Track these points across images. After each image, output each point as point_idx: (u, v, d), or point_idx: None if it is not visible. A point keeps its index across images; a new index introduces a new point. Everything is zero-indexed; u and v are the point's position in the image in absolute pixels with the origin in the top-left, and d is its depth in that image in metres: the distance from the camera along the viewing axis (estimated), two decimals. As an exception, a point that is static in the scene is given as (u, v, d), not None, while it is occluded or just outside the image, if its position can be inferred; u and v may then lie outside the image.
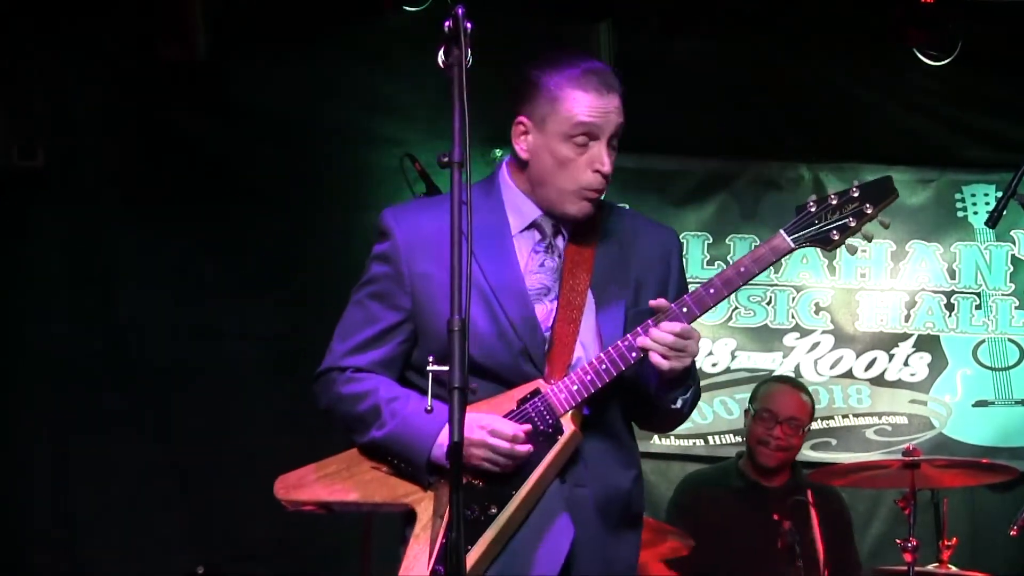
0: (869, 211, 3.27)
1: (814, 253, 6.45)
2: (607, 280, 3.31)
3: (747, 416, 5.89)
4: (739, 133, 6.70)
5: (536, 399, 3.21)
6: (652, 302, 3.24)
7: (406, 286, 3.28)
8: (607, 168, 3.24)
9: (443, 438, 3.09)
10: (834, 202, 3.27)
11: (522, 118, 3.29)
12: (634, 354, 3.20)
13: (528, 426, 3.18)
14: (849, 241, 3.29)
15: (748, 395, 6.06)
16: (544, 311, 3.27)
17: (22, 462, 6.15)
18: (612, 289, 3.31)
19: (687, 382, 3.31)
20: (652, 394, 3.30)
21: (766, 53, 6.53)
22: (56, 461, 6.18)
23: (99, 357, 6.24)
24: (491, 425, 3.14)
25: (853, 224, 3.26)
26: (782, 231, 3.27)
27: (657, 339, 3.17)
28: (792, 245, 3.27)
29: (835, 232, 3.26)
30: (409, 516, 3.25)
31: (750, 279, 3.28)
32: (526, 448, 3.16)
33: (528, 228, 3.33)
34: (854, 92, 6.67)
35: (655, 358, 3.17)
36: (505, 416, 3.19)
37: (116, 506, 6.13)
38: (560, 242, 3.33)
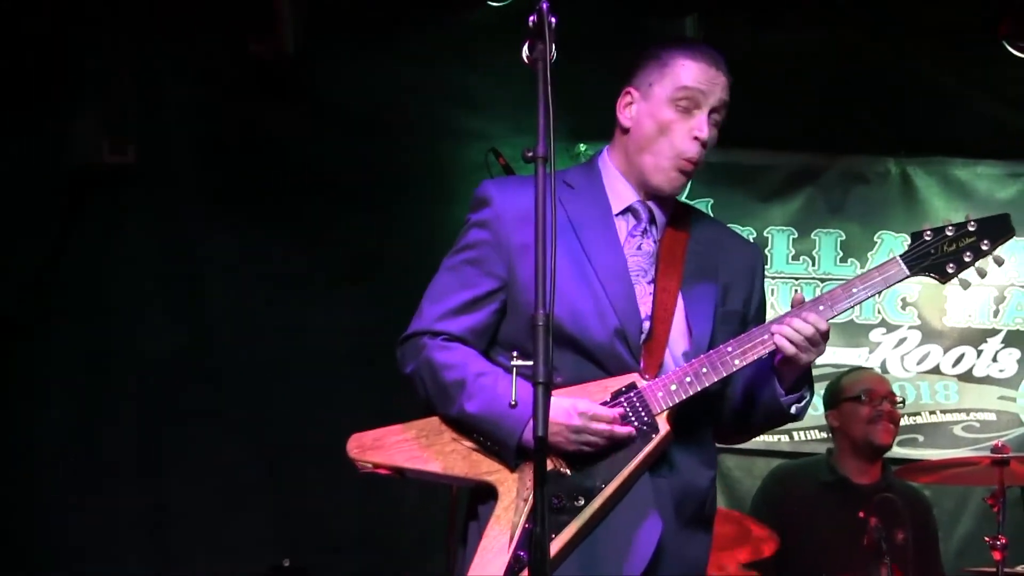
0: (986, 247, 3.30)
1: (900, 247, 6.39)
2: (697, 279, 3.33)
3: (841, 411, 5.80)
4: (826, 127, 6.67)
5: (631, 393, 3.18)
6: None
7: (505, 255, 3.26)
8: (705, 135, 3.27)
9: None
10: (950, 233, 3.30)
11: (630, 88, 3.35)
12: (736, 362, 3.21)
13: (621, 409, 3.16)
14: (962, 275, 3.31)
15: (832, 392, 6.02)
16: (641, 292, 3.27)
17: (112, 455, 6.21)
18: (702, 288, 3.32)
19: (808, 386, 3.32)
20: (767, 398, 3.29)
21: (853, 46, 6.48)
22: (146, 454, 6.24)
23: (187, 352, 6.29)
24: (590, 410, 3.12)
25: (969, 259, 3.30)
26: (898, 257, 3.30)
27: (797, 328, 3.18)
28: (908, 272, 3.30)
29: (951, 265, 3.30)
30: (483, 493, 3.21)
31: (859, 302, 3.31)
32: (626, 430, 3.15)
33: (624, 212, 3.35)
34: (942, 85, 6.60)
35: (785, 344, 3.17)
36: None
37: (205, 499, 6.18)
38: (654, 229, 3.35)
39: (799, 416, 3.33)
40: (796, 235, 6.73)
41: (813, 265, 6.70)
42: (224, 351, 6.31)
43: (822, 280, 6.65)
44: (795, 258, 6.70)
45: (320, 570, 5.93)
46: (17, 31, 5.91)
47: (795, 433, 6.59)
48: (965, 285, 3.35)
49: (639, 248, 3.32)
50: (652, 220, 3.35)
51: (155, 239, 6.34)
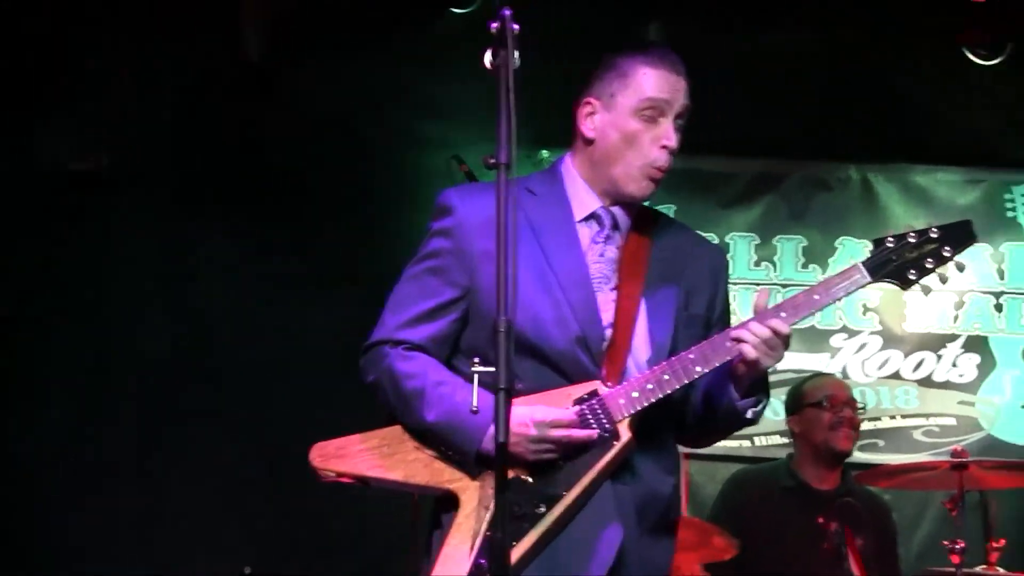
0: (948, 254, 3.30)
1: (861, 253, 6.43)
2: (660, 285, 3.31)
3: (803, 416, 5.79)
4: (787, 134, 6.68)
5: (593, 401, 3.17)
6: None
7: (466, 263, 3.25)
8: (673, 143, 3.27)
9: (493, 429, 2.91)
10: (912, 240, 3.30)
11: (590, 99, 3.33)
12: (698, 368, 3.19)
13: (579, 408, 3.15)
14: (923, 281, 3.31)
15: (792, 398, 6.02)
16: (604, 300, 3.26)
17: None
18: (663, 293, 3.31)
19: (764, 391, 3.31)
20: (725, 403, 3.27)
21: (814, 53, 6.49)
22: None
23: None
24: (547, 417, 3.11)
25: (931, 266, 3.29)
26: (859, 263, 3.29)
27: (755, 331, 3.17)
28: (869, 279, 3.29)
29: (913, 272, 3.29)
30: (446, 501, 3.20)
31: (821, 308, 3.30)
32: (584, 433, 3.13)
33: (587, 219, 3.34)
34: (903, 92, 6.61)
35: (745, 348, 3.16)
36: None
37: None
38: (618, 236, 3.34)
39: (755, 420, 3.32)
40: (758, 241, 6.76)
41: (775, 271, 6.74)
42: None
43: (784, 286, 6.68)
44: (757, 264, 6.73)
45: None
46: (8, 33, 5.92)
47: (756, 438, 6.61)
48: (927, 291, 3.36)
49: (601, 255, 3.31)
50: (615, 226, 3.34)
51: (129, 244, 6.34)
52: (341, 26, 6.24)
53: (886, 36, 6.42)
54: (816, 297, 3.25)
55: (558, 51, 5.17)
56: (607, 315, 3.25)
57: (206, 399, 6.23)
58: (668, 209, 6.46)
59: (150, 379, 6.26)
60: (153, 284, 6.35)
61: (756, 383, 3.27)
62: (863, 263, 3.29)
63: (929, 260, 3.29)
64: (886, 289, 6.70)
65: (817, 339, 6.67)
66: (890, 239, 3.30)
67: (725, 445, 6.42)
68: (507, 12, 2.85)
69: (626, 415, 3.17)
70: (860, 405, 5.84)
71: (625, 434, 3.16)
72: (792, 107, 6.60)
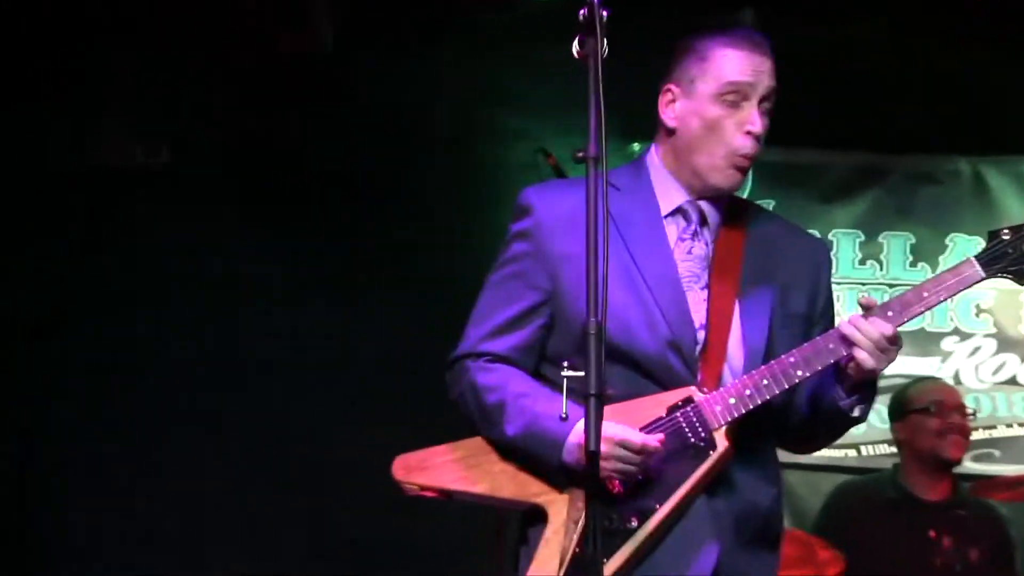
0: None
1: (974, 250, 6.23)
2: (755, 283, 3.20)
3: (908, 423, 5.62)
4: (892, 125, 6.50)
5: (688, 408, 3.06)
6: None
7: (548, 265, 3.17)
8: (758, 128, 3.16)
9: (573, 439, 2.98)
10: None
11: (670, 85, 3.23)
12: (799, 373, 3.07)
13: (661, 435, 3.03)
14: None
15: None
16: (694, 300, 3.15)
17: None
18: (759, 294, 3.19)
19: (872, 392, 3.16)
20: (829, 401, 3.14)
21: (920, 41, 6.32)
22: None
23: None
24: (616, 436, 2.97)
25: None
26: (972, 258, 3.15)
27: (866, 332, 3.04)
28: (983, 274, 3.14)
29: None
30: (532, 515, 3.13)
31: (932, 307, 3.16)
32: (655, 448, 3.01)
33: (673, 213, 3.24)
34: (1014, 81, 6.39)
35: (858, 352, 3.03)
36: (653, 423, 3.05)
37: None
38: (706, 231, 3.24)
39: (863, 418, 3.19)
40: (863, 238, 6.62)
41: (881, 270, 6.58)
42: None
43: (891, 286, 6.53)
44: (862, 262, 6.58)
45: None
46: (48, 29, 5.94)
47: (862, 447, 6.44)
48: None
49: (689, 252, 3.20)
50: (703, 222, 3.23)
51: (187, 242, 6.33)
52: (416, 16, 6.20)
53: (994, 23, 6.20)
54: (926, 295, 3.12)
55: (650, 38, 5.07)
56: (699, 316, 3.14)
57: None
58: (767, 203, 6.33)
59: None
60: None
61: (865, 383, 3.14)
62: (976, 257, 3.14)
63: None
64: (1001, 288, 6.58)
65: (927, 342, 6.52)
66: (1006, 231, 3.15)
67: (829, 455, 6.37)
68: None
69: (723, 423, 3.06)
70: (971, 411, 5.65)
71: (722, 443, 3.06)
72: (898, 97, 6.41)
